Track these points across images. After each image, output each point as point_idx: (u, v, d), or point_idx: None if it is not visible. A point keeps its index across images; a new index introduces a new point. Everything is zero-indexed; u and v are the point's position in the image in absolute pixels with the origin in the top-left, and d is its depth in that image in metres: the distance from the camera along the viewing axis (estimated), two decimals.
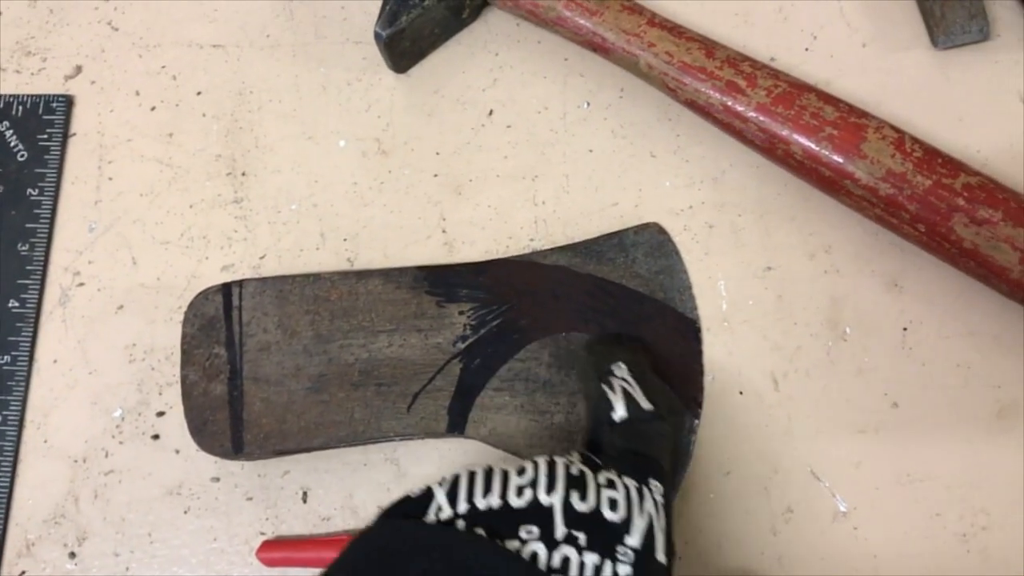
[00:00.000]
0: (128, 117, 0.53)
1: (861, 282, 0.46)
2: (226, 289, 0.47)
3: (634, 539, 0.33)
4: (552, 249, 0.48)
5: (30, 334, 0.49)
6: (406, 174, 0.51)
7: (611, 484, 0.35)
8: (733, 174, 0.49)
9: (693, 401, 0.45)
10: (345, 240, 0.50)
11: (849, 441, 0.44)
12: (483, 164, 0.50)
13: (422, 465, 0.46)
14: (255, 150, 0.52)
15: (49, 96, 0.53)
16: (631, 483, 0.35)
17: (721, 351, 0.46)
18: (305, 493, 0.46)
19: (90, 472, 0.47)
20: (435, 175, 0.50)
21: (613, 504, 0.34)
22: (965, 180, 0.41)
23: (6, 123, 0.53)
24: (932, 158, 0.42)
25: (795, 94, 0.44)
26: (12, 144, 0.52)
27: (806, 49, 0.50)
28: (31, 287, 0.50)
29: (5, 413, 0.48)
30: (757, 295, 0.47)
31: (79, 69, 0.54)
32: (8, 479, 0.47)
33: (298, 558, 0.44)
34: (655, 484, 0.36)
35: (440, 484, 0.34)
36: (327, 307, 0.46)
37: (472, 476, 0.34)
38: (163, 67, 0.54)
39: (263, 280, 0.47)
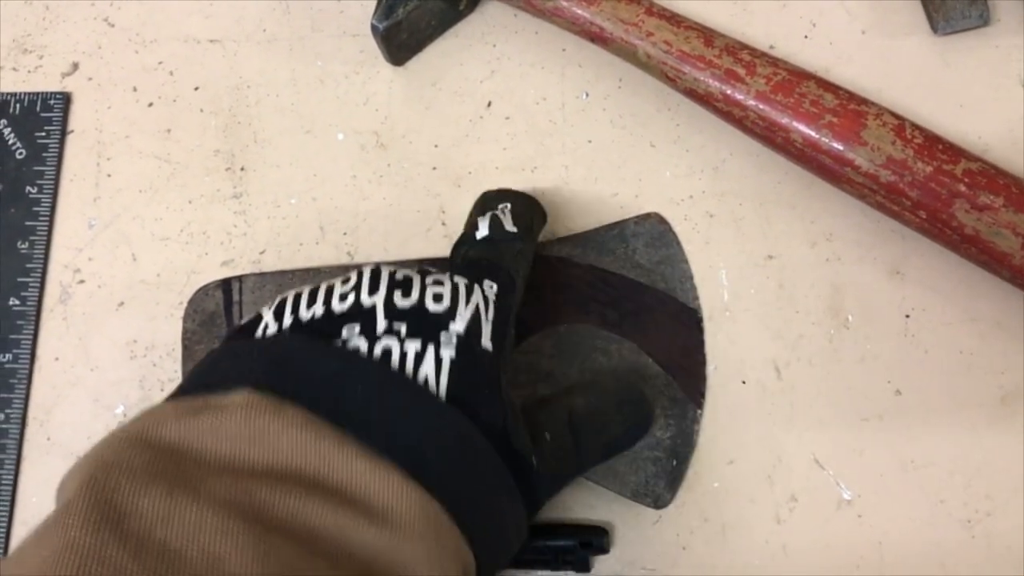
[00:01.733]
0: (126, 113, 0.53)
1: (863, 270, 0.46)
2: (226, 284, 0.47)
3: (458, 325, 0.33)
4: (552, 240, 0.48)
5: (31, 332, 0.49)
6: (405, 167, 0.50)
7: (438, 283, 0.35)
8: (733, 163, 0.49)
9: (696, 391, 0.45)
10: (345, 234, 0.49)
11: (852, 429, 0.44)
12: (482, 156, 0.50)
13: None
14: (253, 145, 0.52)
15: (46, 93, 0.53)
16: (461, 280, 0.35)
17: (723, 340, 0.46)
18: None
19: None
20: (434, 168, 0.50)
21: (438, 297, 0.34)
22: (966, 166, 0.41)
23: (3, 121, 0.53)
24: (933, 144, 0.42)
25: (794, 82, 0.44)
26: (10, 142, 0.52)
27: (805, 36, 0.50)
28: (31, 285, 0.50)
29: (8, 411, 0.48)
30: (758, 284, 0.47)
31: (76, 66, 0.54)
32: (12, 477, 0.47)
33: None
34: (489, 283, 0.36)
35: (268, 306, 0.35)
36: None
37: (298, 293, 0.35)
38: (160, 63, 0.54)
39: (263, 275, 0.47)
